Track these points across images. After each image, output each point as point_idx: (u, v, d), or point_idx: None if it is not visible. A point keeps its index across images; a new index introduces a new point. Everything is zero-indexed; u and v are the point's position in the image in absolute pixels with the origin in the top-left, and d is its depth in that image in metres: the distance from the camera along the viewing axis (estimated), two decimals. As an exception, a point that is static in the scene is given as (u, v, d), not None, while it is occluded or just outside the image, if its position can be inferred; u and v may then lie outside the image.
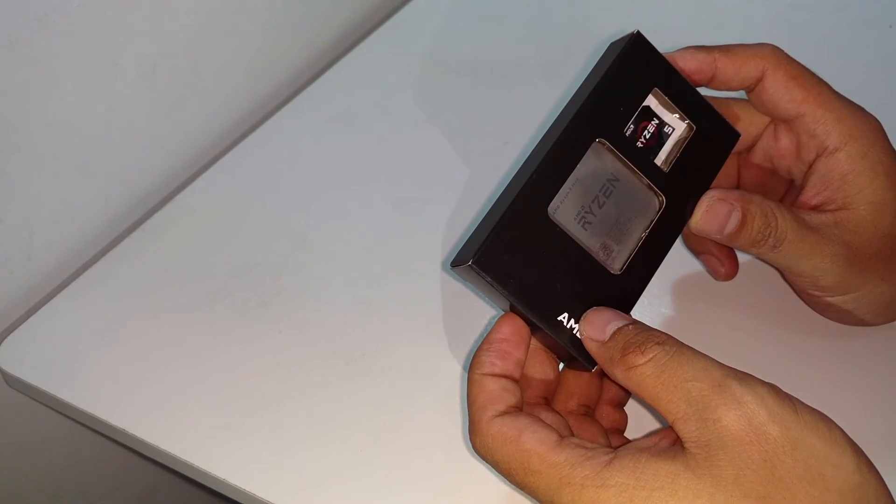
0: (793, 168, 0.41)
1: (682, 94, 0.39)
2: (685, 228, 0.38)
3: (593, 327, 0.34)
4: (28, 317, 0.48)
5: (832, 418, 0.30)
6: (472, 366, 0.35)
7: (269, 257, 0.50)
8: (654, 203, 0.37)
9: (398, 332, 0.45)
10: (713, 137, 0.39)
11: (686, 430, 0.30)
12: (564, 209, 0.35)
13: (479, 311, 0.46)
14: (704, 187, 0.38)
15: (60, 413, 0.45)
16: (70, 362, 0.45)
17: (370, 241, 0.50)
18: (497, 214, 0.35)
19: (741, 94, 0.41)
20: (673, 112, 0.38)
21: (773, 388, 0.30)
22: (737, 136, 0.40)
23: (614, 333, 0.33)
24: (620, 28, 0.65)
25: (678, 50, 0.39)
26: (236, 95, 0.60)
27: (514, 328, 0.35)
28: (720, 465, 0.29)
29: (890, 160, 0.38)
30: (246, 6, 0.57)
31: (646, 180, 0.37)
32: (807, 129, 0.39)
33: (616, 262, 0.36)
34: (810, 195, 0.39)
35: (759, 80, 0.39)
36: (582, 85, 0.38)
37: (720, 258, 0.44)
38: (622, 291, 0.36)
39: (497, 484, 0.39)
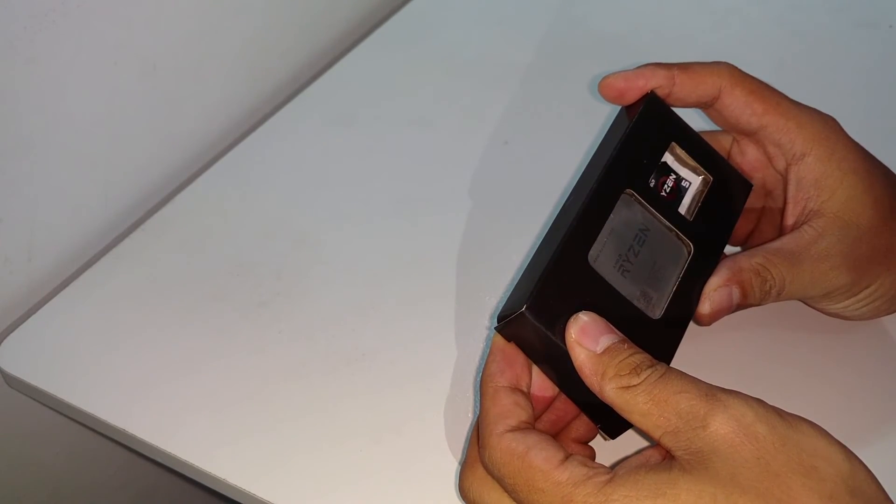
0: (766, 178, 0.43)
1: (697, 147, 0.41)
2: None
3: (587, 336, 0.34)
4: (28, 317, 0.48)
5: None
6: (484, 378, 0.35)
7: (269, 257, 0.50)
8: (683, 250, 0.39)
9: (398, 332, 0.45)
10: (728, 187, 0.41)
11: (675, 441, 0.31)
12: (604, 258, 0.36)
13: (480, 310, 0.46)
14: (726, 233, 0.40)
15: (60, 413, 0.45)
16: (70, 362, 0.45)
17: (370, 241, 0.50)
18: (540, 265, 0.35)
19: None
20: (689, 166, 0.40)
21: (758, 399, 0.31)
22: (749, 185, 0.42)
23: (609, 348, 0.33)
24: (620, 28, 0.65)
25: (640, 66, 0.40)
26: (236, 95, 0.60)
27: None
28: (715, 466, 0.29)
29: (854, 154, 0.40)
30: (246, 6, 0.57)
31: (674, 229, 0.39)
32: (772, 139, 0.41)
33: (656, 309, 0.37)
34: (791, 207, 0.41)
35: (716, 98, 0.40)
36: (601, 144, 0.40)
37: None
38: (663, 336, 0.37)
39: (497, 484, 0.39)
